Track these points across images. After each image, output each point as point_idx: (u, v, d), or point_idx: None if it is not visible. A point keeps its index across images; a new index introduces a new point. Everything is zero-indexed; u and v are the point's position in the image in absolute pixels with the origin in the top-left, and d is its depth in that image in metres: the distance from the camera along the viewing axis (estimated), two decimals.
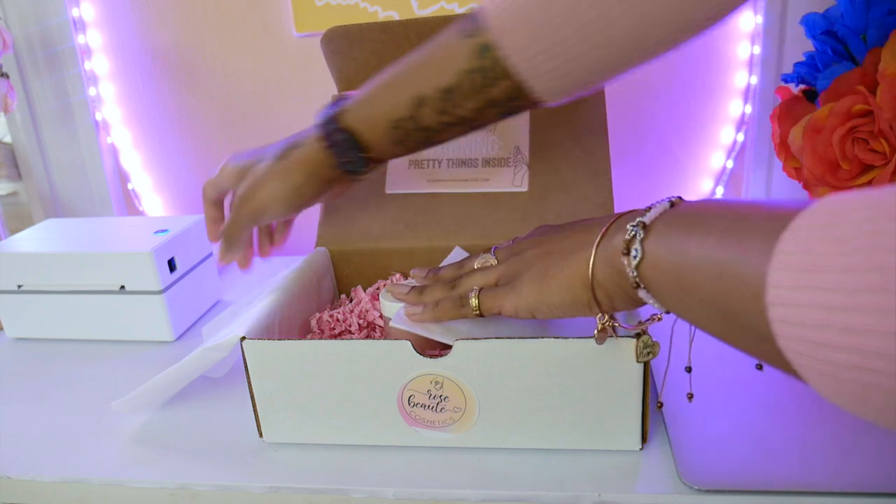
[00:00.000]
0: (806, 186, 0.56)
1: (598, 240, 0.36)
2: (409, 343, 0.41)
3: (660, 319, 0.37)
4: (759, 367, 0.47)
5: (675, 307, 0.33)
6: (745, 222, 0.28)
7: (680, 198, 0.35)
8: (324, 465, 0.44)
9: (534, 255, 0.41)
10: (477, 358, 0.41)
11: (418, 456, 0.44)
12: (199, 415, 0.51)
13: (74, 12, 0.86)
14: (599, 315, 0.38)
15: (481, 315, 0.41)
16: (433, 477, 0.42)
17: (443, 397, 0.42)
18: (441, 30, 0.63)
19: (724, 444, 0.43)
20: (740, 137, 0.81)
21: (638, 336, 0.39)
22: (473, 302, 0.41)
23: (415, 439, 0.44)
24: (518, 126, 0.64)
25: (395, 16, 0.80)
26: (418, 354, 0.41)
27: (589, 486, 0.40)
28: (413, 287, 0.46)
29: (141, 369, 0.59)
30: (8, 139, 0.95)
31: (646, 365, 0.40)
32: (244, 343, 0.43)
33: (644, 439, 0.43)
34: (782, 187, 0.85)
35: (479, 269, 0.44)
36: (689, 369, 0.42)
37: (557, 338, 0.40)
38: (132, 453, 0.47)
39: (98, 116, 0.90)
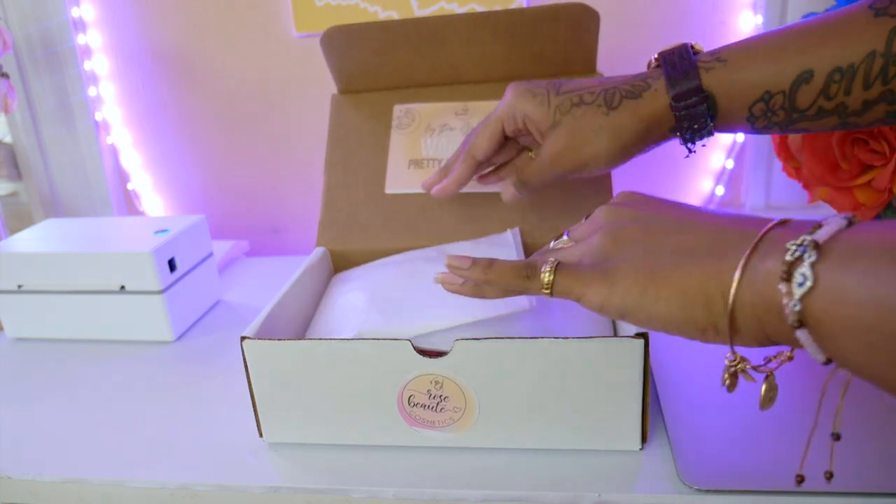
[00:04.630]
0: (806, 186, 0.56)
1: (746, 254, 0.27)
2: (409, 343, 0.41)
3: (791, 359, 0.30)
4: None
5: (857, 359, 0.24)
6: None
7: (855, 216, 0.28)
8: (324, 465, 0.44)
9: (635, 240, 0.32)
10: (477, 358, 0.41)
11: (418, 456, 0.44)
12: (199, 415, 0.51)
13: (74, 12, 0.86)
14: (729, 355, 0.30)
15: (551, 296, 0.33)
16: (433, 477, 0.42)
17: (443, 397, 0.42)
18: (441, 30, 0.63)
19: (724, 444, 0.43)
20: (740, 137, 0.81)
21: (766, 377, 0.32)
22: (546, 277, 0.33)
23: (415, 439, 0.44)
24: None
25: (395, 16, 0.80)
26: (418, 354, 0.41)
27: (589, 486, 0.40)
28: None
29: (141, 369, 0.59)
30: (8, 139, 0.95)
31: (646, 365, 0.40)
32: (244, 343, 0.43)
33: (644, 439, 0.43)
34: (782, 187, 0.85)
35: (552, 248, 0.36)
36: (837, 436, 0.32)
37: (557, 338, 0.40)
38: (132, 453, 0.47)
39: (98, 116, 0.90)
